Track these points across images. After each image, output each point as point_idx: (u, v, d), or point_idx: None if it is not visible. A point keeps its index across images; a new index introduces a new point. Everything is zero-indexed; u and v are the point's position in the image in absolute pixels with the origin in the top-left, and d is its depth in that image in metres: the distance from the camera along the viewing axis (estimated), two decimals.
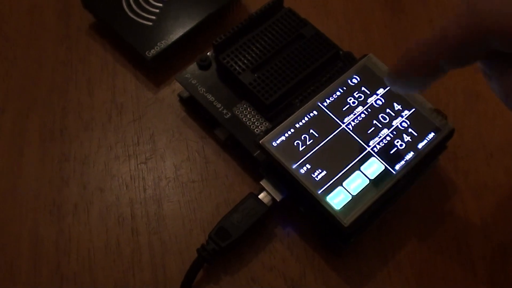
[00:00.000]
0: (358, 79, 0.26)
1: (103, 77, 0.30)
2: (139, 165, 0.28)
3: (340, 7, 0.32)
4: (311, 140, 0.25)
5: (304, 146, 0.25)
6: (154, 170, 0.28)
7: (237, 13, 0.32)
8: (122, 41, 0.30)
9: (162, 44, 0.29)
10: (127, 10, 0.30)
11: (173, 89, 0.30)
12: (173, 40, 0.29)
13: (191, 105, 0.29)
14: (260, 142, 0.25)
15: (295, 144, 0.25)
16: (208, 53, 0.28)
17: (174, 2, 0.30)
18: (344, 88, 0.26)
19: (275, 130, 0.25)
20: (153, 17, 0.30)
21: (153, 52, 0.29)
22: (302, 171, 0.24)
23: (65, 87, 0.30)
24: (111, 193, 0.27)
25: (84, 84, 0.30)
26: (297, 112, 0.25)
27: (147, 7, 0.30)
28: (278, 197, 0.25)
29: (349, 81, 0.26)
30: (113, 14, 0.30)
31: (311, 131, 0.25)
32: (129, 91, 0.30)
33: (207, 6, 0.30)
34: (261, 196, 0.25)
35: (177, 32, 0.29)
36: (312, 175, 0.24)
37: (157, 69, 0.30)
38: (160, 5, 0.30)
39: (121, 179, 0.27)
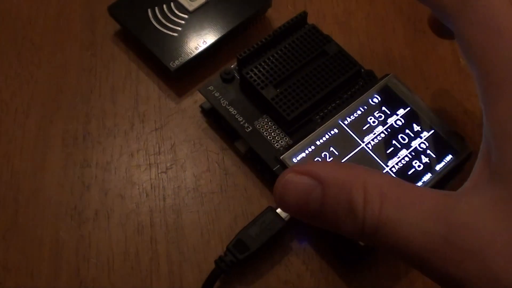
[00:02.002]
0: (379, 99, 0.27)
1: (126, 85, 0.31)
2: (159, 174, 0.28)
3: (362, 25, 0.33)
4: (331, 158, 0.25)
5: None
6: (174, 179, 0.28)
7: (261, 27, 0.32)
8: (146, 51, 0.30)
9: (186, 56, 0.29)
10: (153, 20, 0.30)
11: (195, 100, 0.30)
12: (197, 52, 0.29)
13: (213, 117, 0.29)
14: (281, 157, 0.25)
15: (314, 161, 0.25)
16: (232, 66, 0.29)
17: (199, 14, 0.31)
18: (365, 107, 0.26)
19: (296, 146, 0.25)
20: (179, 28, 0.30)
21: (177, 63, 0.29)
22: None
23: (89, 93, 0.30)
24: (131, 201, 0.28)
25: (107, 91, 0.30)
26: (318, 129, 0.26)
27: (173, 18, 0.30)
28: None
29: (370, 100, 0.27)
30: (139, 23, 0.30)
31: (331, 148, 0.25)
32: (152, 100, 0.30)
33: (231, 19, 0.30)
34: (279, 210, 0.26)
35: (201, 44, 0.30)
36: None
37: (180, 80, 0.30)
38: (186, 16, 0.30)
39: (142, 187, 0.28)
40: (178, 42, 0.30)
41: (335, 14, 0.33)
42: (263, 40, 0.28)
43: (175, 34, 0.30)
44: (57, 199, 0.27)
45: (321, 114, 0.28)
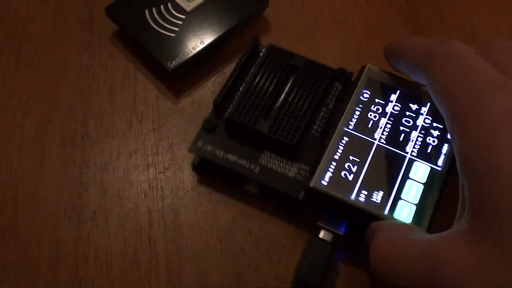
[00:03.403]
0: (369, 93, 0.27)
1: (124, 85, 0.31)
2: (157, 174, 0.28)
3: (360, 24, 0.33)
4: (355, 166, 0.25)
5: (352, 175, 0.25)
6: (172, 179, 0.28)
7: (259, 26, 0.32)
8: (144, 51, 0.30)
9: (184, 56, 0.29)
10: (150, 20, 0.30)
11: (193, 100, 0.30)
12: (194, 52, 0.29)
13: (207, 170, 0.28)
14: (311, 185, 0.24)
15: (342, 175, 0.25)
16: (210, 115, 0.28)
17: (196, 15, 0.31)
18: (360, 105, 0.26)
19: (318, 169, 0.25)
20: (176, 29, 0.30)
21: (174, 63, 0.29)
22: (361, 199, 0.24)
23: (87, 93, 0.30)
24: (130, 201, 0.28)
25: (105, 91, 0.30)
26: (330, 144, 0.25)
27: (170, 18, 0.30)
28: (340, 232, 0.25)
29: (361, 97, 0.26)
30: (136, 24, 0.30)
31: (350, 157, 0.25)
32: (150, 100, 0.30)
33: (229, 18, 0.30)
34: (322, 235, 0.25)
35: (199, 44, 0.30)
36: (372, 199, 0.24)
37: (178, 80, 0.30)
38: (183, 17, 0.30)
39: (140, 187, 0.28)
40: (175, 42, 0.30)
41: (333, 12, 0.33)
42: (230, 78, 0.28)
43: (173, 35, 0.30)
44: (55, 199, 0.28)
45: (315, 127, 0.27)
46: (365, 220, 0.24)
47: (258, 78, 0.28)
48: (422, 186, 0.24)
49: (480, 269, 0.18)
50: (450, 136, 0.21)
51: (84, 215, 0.27)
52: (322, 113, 0.27)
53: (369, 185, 0.24)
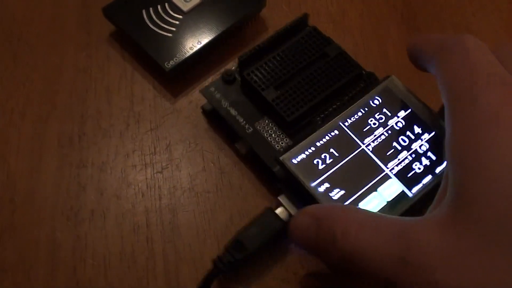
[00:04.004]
0: (380, 101, 0.27)
1: (121, 85, 0.31)
2: (155, 174, 0.28)
3: (357, 24, 0.33)
4: (331, 159, 0.25)
5: (323, 165, 0.25)
6: (170, 179, 0.28)
7: (256, 26, 0.32)
8: (141, 51, 0.30)
9: (181, 56, 0.29)
10: (147, 21, 0.30)
11: (190, 100, 0.30)
12: (191, 52, 0.29)
13: (214, 118, 0.29)
14: (281, 158, 0.25)
15: (314, 162, 0.25)
16: (233, 68, 0.29)
17: (194, 15, 0.31)
18: (366, 109, 0.26)
19: (295, 147, 0.25)
20: (173, 29, 0.30)
21: (172, 63, 0.29)
22: (320, 189, 0.24)
23: (84, 94, 0.30)
24: (127, 201, 0.28)
25: (103, 92, 0.30)
26: (318, 130, 0.26)
27: (168, 18, 0.30)
28: (295, 213, 0.25)
29: (371, 102, 0.27)
30: (134, 24, 0.30)
31: (331, 150, 0.25)
32: (147, 100, 0.30)
33: (226, 19, 0.30)
34: (278, 211, 0.26)
35: (196, 45, 0.30)
36: (330, 194, 0.24)
37: (175, 80, 0.30)
38: (180, 17, 0.31)
39: (137, 187, 0.28)
40: (173, 43, 0.30)
41: (329, 13, 0.33)
42: (265, 41, 0.28)
43: (170, 35, 0.30)
44: (53, 199, 0.28)
45: (322, 115, 0.27)
46: None
47: (288, 51, 0.28)
48: (384, 203, 0.24)
49: (454, 253, 0.18)
50: (446, 125, 0.21)
51: (81, 215, 0.27)
52: (335, 106, 0.28)
53: (335, 181, 0.25)
